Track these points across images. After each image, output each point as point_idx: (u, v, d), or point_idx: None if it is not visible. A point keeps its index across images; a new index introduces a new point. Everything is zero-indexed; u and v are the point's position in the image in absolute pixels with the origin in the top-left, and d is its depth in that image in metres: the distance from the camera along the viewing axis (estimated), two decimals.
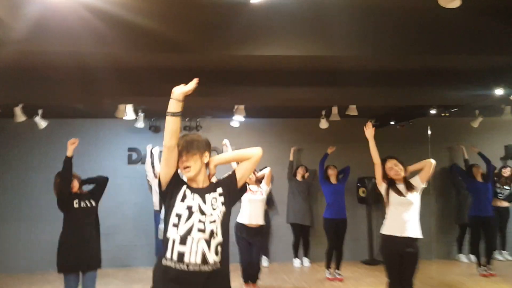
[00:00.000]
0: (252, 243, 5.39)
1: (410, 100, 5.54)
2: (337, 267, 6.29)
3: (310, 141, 7.72)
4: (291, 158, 7.42)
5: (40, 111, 6.10)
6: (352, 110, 5.44)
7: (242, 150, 2.59)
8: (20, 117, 5.78)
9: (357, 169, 7.19)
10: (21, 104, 5.66)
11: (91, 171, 7.18)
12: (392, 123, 7.08)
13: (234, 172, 2.52)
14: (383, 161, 4.15)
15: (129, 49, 3.39)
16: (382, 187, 4.14)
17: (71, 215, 4.13)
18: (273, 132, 7.76)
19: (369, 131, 4.17)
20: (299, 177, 7.35)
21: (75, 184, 4.25)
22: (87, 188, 4.49)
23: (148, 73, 4.39)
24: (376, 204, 7.41)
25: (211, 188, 2.44)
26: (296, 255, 7.29)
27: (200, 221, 2.29)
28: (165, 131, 2.31)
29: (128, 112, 5.42)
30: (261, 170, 5.79)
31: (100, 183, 4.50)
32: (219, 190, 2.44)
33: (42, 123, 6.11)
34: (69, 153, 4.14)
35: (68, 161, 4.09)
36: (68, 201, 4.12)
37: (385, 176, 4.13)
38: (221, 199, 2.41)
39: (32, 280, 6.56)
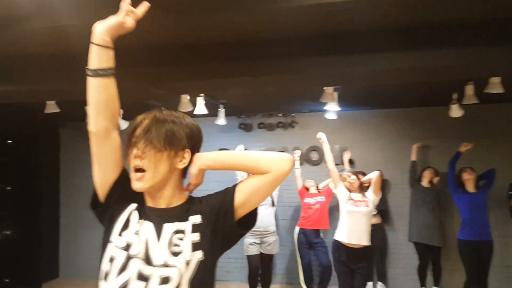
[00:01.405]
0: (354, 270, 4.10)
1: None
2: None
3: (438, 135, 5.97)
4: (413, 157, 5.79)
5: (121, 111, 5.65)
6: (495, 86, 3.69)
7: (256, 153, 1.43)
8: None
9: (507, 171, 5.26)
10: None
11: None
12: None
13: (233, 189, 1.40)
14: None
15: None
16: None
17: None
18: (387, 125, 6.20)
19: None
20: (425, 183, 5.68)
21: None
22: None
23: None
24: None
25: (180, 212, 1.33)
26: (423, 284, 5.62)
27: (141, 276, 1.20)
28: (88, 106, 1.27)
29: (199, 106, 4.56)
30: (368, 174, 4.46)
31: None
32: (195, 219, 1.33)
33: (123, 124, 5.65)
34: None
35: None
36: None
37: None
38: (194, 236, 1.30)
39: None
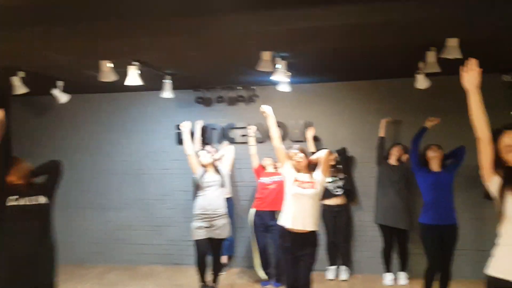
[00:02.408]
0: (298, 257, 3.72)
1: None
2: None
3: (408, 110, 5.50)
4: (381, 133, 5.34)
5: (60, 84, 5.19)
6: (452, 51, 3.18)
7: None
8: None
9: None
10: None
11: (131, 155, 6.32)
12: None
13: None
14: (496, 134, 2.17)
15: None
16: (493, 180, 2.21)
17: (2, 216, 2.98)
18: (355, 99, 5.72)
19: (470, 74, 2.19)
20: (392, 161, 5.26)
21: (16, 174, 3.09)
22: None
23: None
24: None
25: None
26: (388, 269, 5.27)
27: None
28: None
29: (131, 75, 4.07)
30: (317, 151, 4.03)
31: (52, 171, 3.29)
32: None
33: (63, 97, 5.21)
34: None
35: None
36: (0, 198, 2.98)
37: (500, 161, 2.14)
38: None
39: (84, 270, 5.87)
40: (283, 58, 4.03)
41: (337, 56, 4.29)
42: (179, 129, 6.09)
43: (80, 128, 6.44)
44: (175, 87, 6.00)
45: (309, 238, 3.75)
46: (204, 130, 5.95)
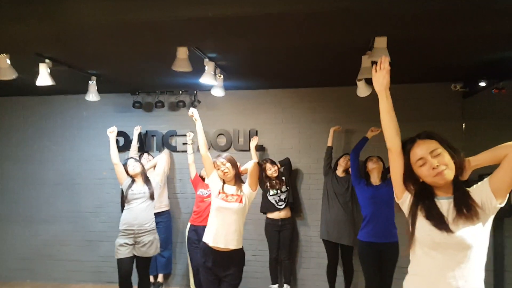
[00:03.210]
0: (221, 279, 3.37)
1: None
2: None
3: (360, 119, 5.23)
4: (329, 143, 5.04)
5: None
6: (379, 52, 2.89)
7: None
8: None
9: None
10: None
11: (64, 163, 5.76)
12: (483, 84, 4.26)
13: None
14: (408, 144, 1.90)
15: None
16: (404, 198, 1.94)
17: None
18: (303, 107, 5.42)
19: (379, 73, 1.88)
20: (340, 172, 4.95)
21: None
22: None
23: None
24: None
25: None
26: (332, 286, 4.94)
27: None
28: None
29: (42, 74, 3.64)
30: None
31: None
32: None
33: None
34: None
35: None
36: None
37: (412, 176, 1.86)
38: None
39: None
40: (210, 59, 3.69)
41: (273, 58, 3.98)
42: (117, 135, 5.67)
43: (8, 134, 5.92)
44: (112, 91, 5.64)
45: (232, 257, 3.40)
46: (142, 137, 5.54)
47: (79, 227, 5.74)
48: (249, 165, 3.45)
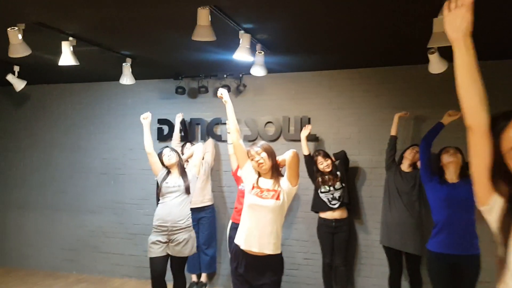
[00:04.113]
0: None
1: None
2: None
3: (431, 104, 4.40)
4: (393, 132, 4.28)
5: (17, 69, 4.56)
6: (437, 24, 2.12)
7: None
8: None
9: None
10: None
11: (110, 152, 5.54)
12: None
13: None
14: (498, 122, 1.23)
15: None
16: (492, 202, 1.28)
17: None
18: (363, 90, 4.68)
19: (456, 13, 1.24)
20: (405, 167, 4.18)
21: None
22: None
23: None
24: None
25: None
26: None
27: None
28: None
29: (64, 53, 3.32)
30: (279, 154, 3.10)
31: None
32: None
33: (19, 84, 4.57)
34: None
35: None
36: None
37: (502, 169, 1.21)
38: None
39: (53, 280, 5.25)
40: (246, 30, 3.13)
41: (328, 31, 3.32)
42: (161, 123, 5.35)
43: (56, 121, 5.83)
44: (155, 76, 5.30)
45: (269, 263, 2.86)
46: (185, 124, 5.14)
47: (124, 219, 5.51)
48: (287, 155, 2.87)
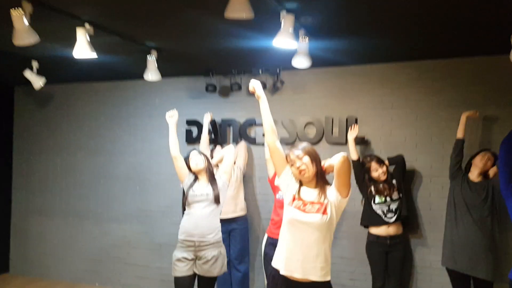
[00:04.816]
0: None
1: None
2: None
3: (499, 100, 3.73)
4: (459, 134, 3.62)
5: (35, 64, 4.21)
6: None
7: None
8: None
9: None
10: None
11: (136, 156, 5.10)
12: None
13: None
14: None
15: None
16: None
17: None
18: (420, 85, 4.04)
19: None
20: (474, 176, 3.52)
21: None
22: None
23: None
24: None
25: None
26: None
27: None
28: None
29: (79, 41, 2.89)
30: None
31: None
32: None
33: (37, 81, 4.21)
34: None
35: None
36: None
37: None
38: None
39: None
40: (289, 11, 2.59)
41: (386, 13, 2.74)
42: (189, 124, 4.88)
43: (80, 122, 5.47)
44: (184, 73, 4.85)
45: None
46: (215, 126, 4.65)
47: (149, 228, 5.06)
48: (335, 160, 2.30)
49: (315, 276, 2.30)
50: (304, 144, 2.48)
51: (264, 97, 2.54)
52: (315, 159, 2.42)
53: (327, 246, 2.36)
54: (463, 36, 3.25)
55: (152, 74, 3.72)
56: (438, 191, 3.90)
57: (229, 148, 3.80)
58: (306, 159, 2.37)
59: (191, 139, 4.86)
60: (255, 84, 2.54)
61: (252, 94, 2.60)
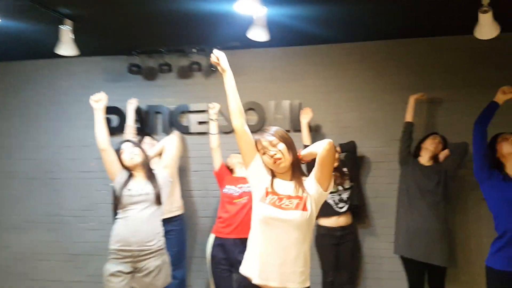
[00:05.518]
0: None
1: None
2: None
3: (455, 82, 3.73)
4: (408, 117, 3.53)
5: None
6: None
7: None
8: None
9: None
10: None
11: (39, 151, 4.30)
12: None
13: None
14: None
15: None
16: None
17: None
18: (365, 68, 3.90)
19: None
20: (425, 159, 3.44)
21: None
22: None
23: None
24: None
25: None
26: None
27: None
28: None
29: None
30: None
31: None
32: None
33: None
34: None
35: None
36: None
37: None
38: None
39: None
40: None
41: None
42: (108, 112, 4.17)
43: None
44: (100, 51, 4.15)
45: None
46: (142, 114, 4.04)
47: (61, 236, 4.29)
48: (319, 147, 1.96)
49: (294, 282, 1.95)
50: (275, 128, 2.10)
51: (230, 72, 2.10)
52: (291, 146, 2.06)
53: (307, 247, 2.03)
54: (407, 18, 3.14)
55: (66, 47, 3.02)
56: (384, 177, 3.80)
57: (171, 138, 3.27)
58: (282, 146, 2.00)
59: (112, 130, 4.15)
60: (219, 55, 2.09)
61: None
